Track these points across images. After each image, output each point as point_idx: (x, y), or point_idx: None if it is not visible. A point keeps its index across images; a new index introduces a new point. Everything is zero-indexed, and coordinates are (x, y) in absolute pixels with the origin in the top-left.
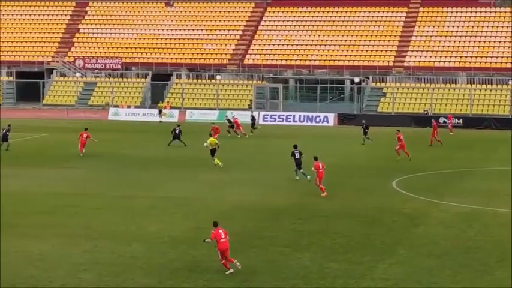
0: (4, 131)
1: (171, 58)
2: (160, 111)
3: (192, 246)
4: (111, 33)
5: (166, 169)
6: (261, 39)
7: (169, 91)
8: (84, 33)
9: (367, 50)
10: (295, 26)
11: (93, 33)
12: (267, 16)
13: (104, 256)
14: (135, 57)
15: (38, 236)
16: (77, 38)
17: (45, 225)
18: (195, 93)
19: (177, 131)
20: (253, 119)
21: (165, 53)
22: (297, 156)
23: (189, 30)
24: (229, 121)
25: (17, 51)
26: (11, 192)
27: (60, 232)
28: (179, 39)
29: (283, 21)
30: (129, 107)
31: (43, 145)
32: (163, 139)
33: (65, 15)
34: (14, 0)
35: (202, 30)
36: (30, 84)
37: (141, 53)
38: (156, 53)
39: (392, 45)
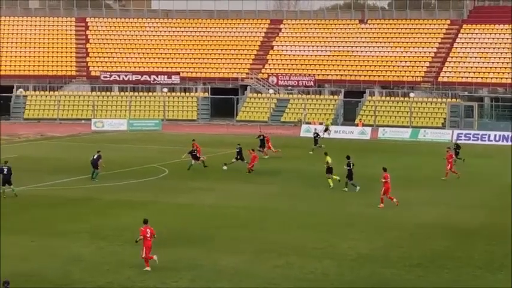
0: (191, 151)
1: (364, 75)
2: (326, 129)
3: (381, 264)
4: (304, 50)
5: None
6: (456, 57)
7: (361, 108)
8: (277, 50)
9: None
10: (491, 43)
11: (286, 50)
12: (463, 33)
13: (295, 272)
14: (328, 74)
15: (230, 250)
16: (271, 55)
17: (236, 239)
18: (387, 111)
19: (238, 150)
20: (316, 135)
21: (358, 70)
22: (350, 167)
23: (382, 47)
24: (261, 136)
25: (212, 68)
26: (204, 205)
27: (250, 246)
28: (372, 56)
29: (479, 38)
30: (321, 123)
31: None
32: (356, 157)
33: (260, 32)
34: (211, 18)
35: (396, 47)
36: (224, 100)
37: (334, 70)
38: (349, 70)
39: None
